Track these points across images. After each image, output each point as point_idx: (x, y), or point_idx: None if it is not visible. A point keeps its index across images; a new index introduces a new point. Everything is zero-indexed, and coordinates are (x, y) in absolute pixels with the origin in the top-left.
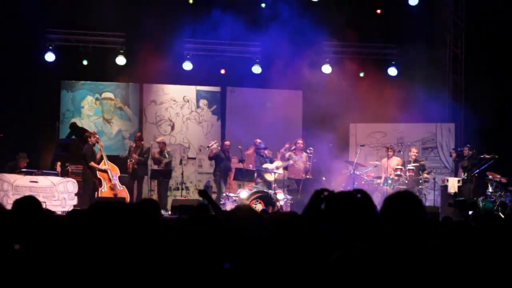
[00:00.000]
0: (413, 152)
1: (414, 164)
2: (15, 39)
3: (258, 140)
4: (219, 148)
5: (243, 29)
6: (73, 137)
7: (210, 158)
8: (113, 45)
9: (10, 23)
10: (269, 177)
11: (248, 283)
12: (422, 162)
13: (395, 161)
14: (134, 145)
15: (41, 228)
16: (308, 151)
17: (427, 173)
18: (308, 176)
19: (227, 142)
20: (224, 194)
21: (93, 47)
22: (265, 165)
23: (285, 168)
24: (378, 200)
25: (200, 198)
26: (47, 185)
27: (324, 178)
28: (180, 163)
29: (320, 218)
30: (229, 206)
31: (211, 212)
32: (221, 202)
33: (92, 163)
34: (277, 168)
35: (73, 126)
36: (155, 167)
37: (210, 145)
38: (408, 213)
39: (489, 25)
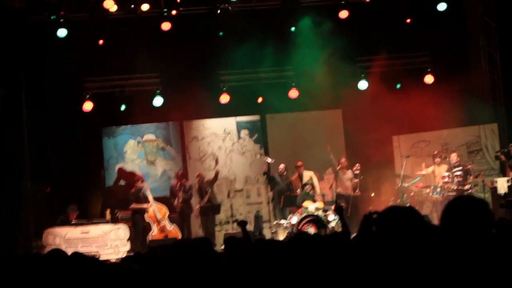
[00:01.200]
0: (453, 157)
1: (457, 169)
2: (55, 91)
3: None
4: (273, 161)
5: (275, 55)
6: (121, 182)
7: (264, 173)
8: (149, 86)
9: (49, 76)
10: (308, 204)
11: None
12: (468, 166)
13: (444, 167)
14: (178, 184)
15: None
16: (355, 168)
17: (475, 177)
18: (356, 194)
19: (281, 165)
20: (274, 223)
21: (129, 91)
22: (305, 203)
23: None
24: (428, 210)
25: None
26: (99, 234)
27: (372, 194)
28: (228, 196)
29: (373, 242)
30: (281, 234)
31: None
32: (272, 231)
33: (133, 205)
34: (317, 209)
35: (120, 171)
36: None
37: (265, 158)
38: (475, 217)
39: None
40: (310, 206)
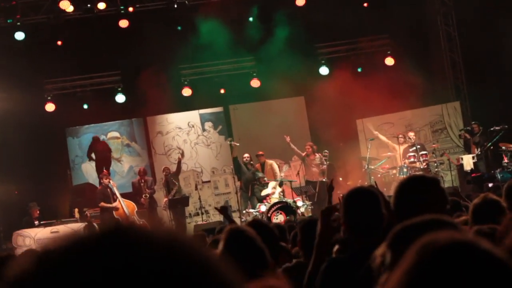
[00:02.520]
0: (411, 136)
1: (415, 147)
2: (16, 94)
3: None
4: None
5: (235, 46)
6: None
7: (234, 159)
8: (111, 84)
9: (10, 79)
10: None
11: None
12: (432, 146)
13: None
14: (139, 180)
15: None
16: (324, 153)
17: (440, 155)
18: (323, 179)
19: (246, 155)
20: (244, 211)
21: (91, 90)
22: (263, 192)
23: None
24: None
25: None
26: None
27: (341, 179)
28: (196, 188)
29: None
30: None
31: None
32: (242, 220)
33: (102, 204)
34: (274, 188)
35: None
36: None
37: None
38: (427, 196)
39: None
40: (266, 191)
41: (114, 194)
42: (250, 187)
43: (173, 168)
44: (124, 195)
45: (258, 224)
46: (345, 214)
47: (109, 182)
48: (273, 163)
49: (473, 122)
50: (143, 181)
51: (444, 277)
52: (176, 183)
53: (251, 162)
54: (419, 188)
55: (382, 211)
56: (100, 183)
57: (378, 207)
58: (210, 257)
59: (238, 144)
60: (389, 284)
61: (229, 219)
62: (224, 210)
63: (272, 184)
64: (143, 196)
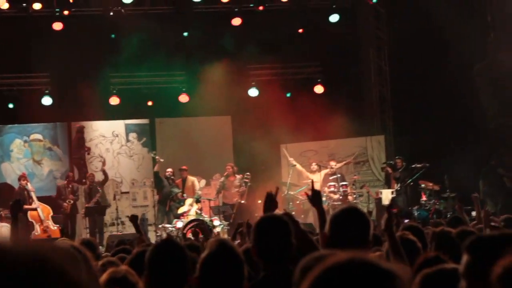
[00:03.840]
0: (332, 165)
1: (335, 176)
2: None
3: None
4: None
5: (167, 59)
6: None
7: (155, 173)
8: (39, 85)
9: None
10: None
11: None
12: (354, 177)
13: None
14: (66, 185)
15: None
16: (246, 175)
17: (360, 188)
18: (242, 201)
19: (169, 169)
20: (160, 226)
21: (18, 90)
22: (180, 210)
23: (218, 192)
24: (314, 218)
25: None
26: None
27: (259, 201)
28: (114, 198)
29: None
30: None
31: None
32: (157, 234)
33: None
34: (190, 205)
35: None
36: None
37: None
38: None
39: (409, 34)
40: (183, 208)
41: (30, 197)
42: (168, 202)
43: (98, 176)
44: (42, 199)
45: (170, 243)
46: (255, 239)
47: (27, 184)
48: (194, 180)
49: (397, 157)
50: (70, 186)
51: None
52: (100, 191)
53: (173, 177)
54: (351, 220)
55: (291, 239)
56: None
57: (288, 236)
58: (72, 278)
59: (162, 160)
60: None
61: (137, 229)
62: (134, 219)
63: (189, 201)
64: (67, 201)
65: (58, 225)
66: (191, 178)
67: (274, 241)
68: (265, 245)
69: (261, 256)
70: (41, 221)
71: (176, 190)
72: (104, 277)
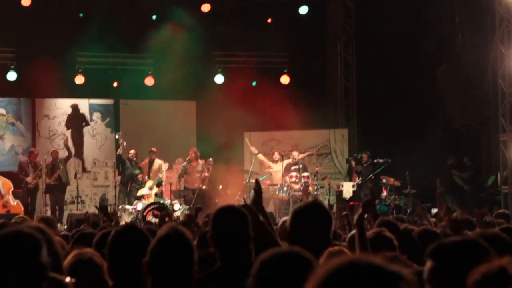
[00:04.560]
0: (294, 155)
1: (296, 167)
2: None
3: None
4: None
5: (135, 41)
6: None
7: (118, 156)
8: (4, 60)
9: None
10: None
11: None
12: (316, 169)
13: (283, 165)
14: (28, 160)
15: None
16: (208, 161)
17: (321, 179)
18: (203, 186)
19: (132, 151)
20: (120, 207)
21: None
22: (139, 192)
23: (180, 177)
24: (274, 207)
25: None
26: None
27: (220, 187)
28: (75, 176)
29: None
30: (125, 219)
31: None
32: (118, 215)
33: None
34: (150, 189)
35: None
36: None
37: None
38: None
39: (378, 30)
40: (143, 191)
41: None
42: (130, 183)
43: (62, 153)
44: (2, 174)
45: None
46: (212, 228)
47: None
48: (162, 163)
49: (364, 151)
50: (32, 163)
51: None
52: (61, 167)
53: (135, 159)
54: (313, 216)
55: (248, 231)
56: None
57: (245, 227)
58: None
59: (125, 144)
60: None
61: (108, 217)
62: (104, 209)
63: (149, 183)
64: (34, 177)
65: (17, 200)
66: (158, 161)
67: (231, 231)
68: (221, 234)
69: (217, 245)
70: (1, 196)
71: (137, 171)
72: (69, 259)
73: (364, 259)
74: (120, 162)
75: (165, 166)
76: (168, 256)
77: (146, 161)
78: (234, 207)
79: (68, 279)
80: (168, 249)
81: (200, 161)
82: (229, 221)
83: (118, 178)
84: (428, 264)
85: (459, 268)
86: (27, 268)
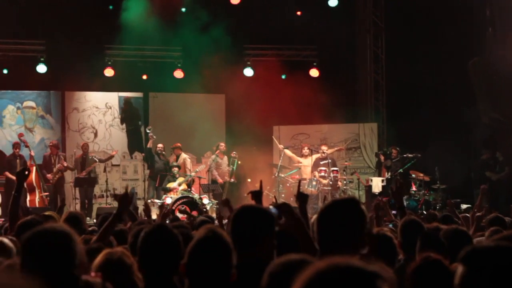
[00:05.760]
0: (323, 149)
1: (325, 161)
2: None
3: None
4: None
5: (164, 35)
6: None
7: (147, 149)
8: (34, 53)
9: None
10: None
11: None
12: (345, 163)
13: (312, 159)
14: (54, 155)
15: None
16: (232, 154)
17: (351, 174)
18: (232, 180)
19: (160, 145)
20: (149, 201)
21: (13, 56)
22: (169, 185)
23: (209, 171)
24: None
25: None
26: None
27: (249, 180)
28: (104, 170)
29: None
30: (154, 213)
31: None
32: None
33: (7, 173)
34: (179, 184)
35: None
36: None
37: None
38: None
39: (408, 23)
40: (172, 184)
41: (25, 163)
42: (159, 177)
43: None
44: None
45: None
46: (230, 229)
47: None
48: (186, 158)
49: (393, 146)
50: (55, 156)
51: None
52: (96, 161)
53: (163, 152)
54: (341, 211)
55: (270, 234)
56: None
57: (266, 229)
58: None
59: (155, 137)
60: None
61: (133, 218)
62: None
63: (180, 180)
64: (55, 173)
65: (47, 194)
66: (183, 156)
67: (248, 232)
68: (239, 235)
69: (235, 243)
70: (33, 188)
71: (174, 165)
72: (99, 259)
73: (343, 261)
74: (150, 156)
75: (190, 159)
76: (206, 259)
77: (174, 157)
78: (255, 207)
79: (93, 274)
80: (206, 252)
81: (225, 156)
82: (247, 221)
83: (148, 172)
84: (460, 269)
85: (493, 275)
86: (59, 266)
